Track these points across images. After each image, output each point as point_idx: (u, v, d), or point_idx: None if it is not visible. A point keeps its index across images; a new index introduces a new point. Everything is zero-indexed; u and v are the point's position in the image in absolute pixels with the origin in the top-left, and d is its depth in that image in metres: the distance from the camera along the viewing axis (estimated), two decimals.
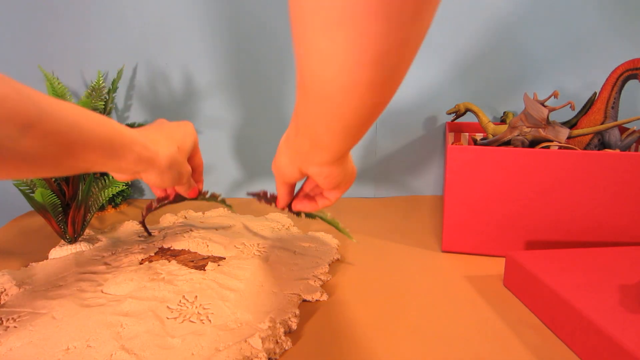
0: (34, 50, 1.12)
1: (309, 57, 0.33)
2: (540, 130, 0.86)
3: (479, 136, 1.13)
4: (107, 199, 0.89)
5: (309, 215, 0.78)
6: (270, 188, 1.33)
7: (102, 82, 1.04)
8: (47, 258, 0.82)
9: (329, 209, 1.08)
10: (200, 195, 0.80)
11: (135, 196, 1.25)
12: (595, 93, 0.97)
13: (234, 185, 1.23)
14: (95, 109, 1.05)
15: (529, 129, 0.87)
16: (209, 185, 1.24)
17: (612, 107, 0.90)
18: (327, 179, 0.53)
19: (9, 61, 1.12)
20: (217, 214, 1.05)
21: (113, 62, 1.14)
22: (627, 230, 0.77)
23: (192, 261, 0.76)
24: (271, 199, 0.75)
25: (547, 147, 0.86)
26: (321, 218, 0.79)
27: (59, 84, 0.93)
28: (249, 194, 0.77)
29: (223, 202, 0.86)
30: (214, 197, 0.83)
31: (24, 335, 0.57)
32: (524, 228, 0.80)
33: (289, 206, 0.72)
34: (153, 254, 0.80)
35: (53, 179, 0.82)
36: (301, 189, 0.71)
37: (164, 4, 1.10)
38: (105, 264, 0.76)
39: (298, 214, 0.75)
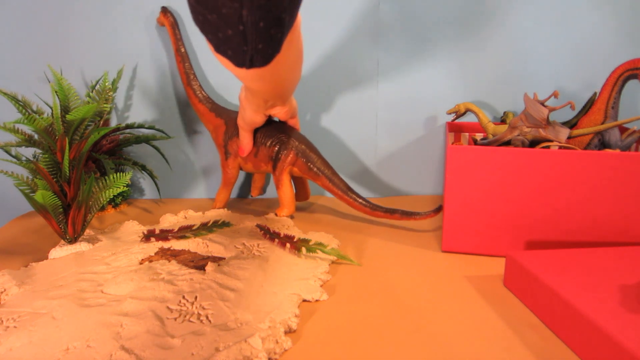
0: (35, 50, 1.12)
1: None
2: (540, 130, 0.86)
3: (479, 136, 1.13)
4: (108, 199, 0.89)
5: (309, 250, 0.81)
6: (269, 187, 1.32)
7: (108, 84, 1.04)
8: (47, 258, 0.82)
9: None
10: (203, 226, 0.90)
11: (135, 196, 1.25)
12: (595, 93, 0.97)
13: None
14: (101, 112, 1.05)
15: (529, 129, 0.87)
16: (211, 184, 1.24)
17: (612, 107, 0.90)
18: (287, 113, 0.90)
19: (12, 61, 1.13)
20: (216, 214, 1.05)
21: (113, 62, 1.14)
22: (627, 230, 0.77)
23: (192, 261, 0.77)
24: (274, 235, 0.85)
25: (547, 147, 0.86)
26: (322, 251, 0.80)
27: (67, 83, 0.94)
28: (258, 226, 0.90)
29: (224, 224, 0.92)
30: (215, 224, 0.91)
31: (24, 335, 0.57)
32: (524, 228, 0.80)
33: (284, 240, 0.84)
34: (153, 254, 0.80)
35: (55, 180, 0.82)
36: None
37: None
38: (105, 264, 0.76)
39: (299, 249, 0.80)
